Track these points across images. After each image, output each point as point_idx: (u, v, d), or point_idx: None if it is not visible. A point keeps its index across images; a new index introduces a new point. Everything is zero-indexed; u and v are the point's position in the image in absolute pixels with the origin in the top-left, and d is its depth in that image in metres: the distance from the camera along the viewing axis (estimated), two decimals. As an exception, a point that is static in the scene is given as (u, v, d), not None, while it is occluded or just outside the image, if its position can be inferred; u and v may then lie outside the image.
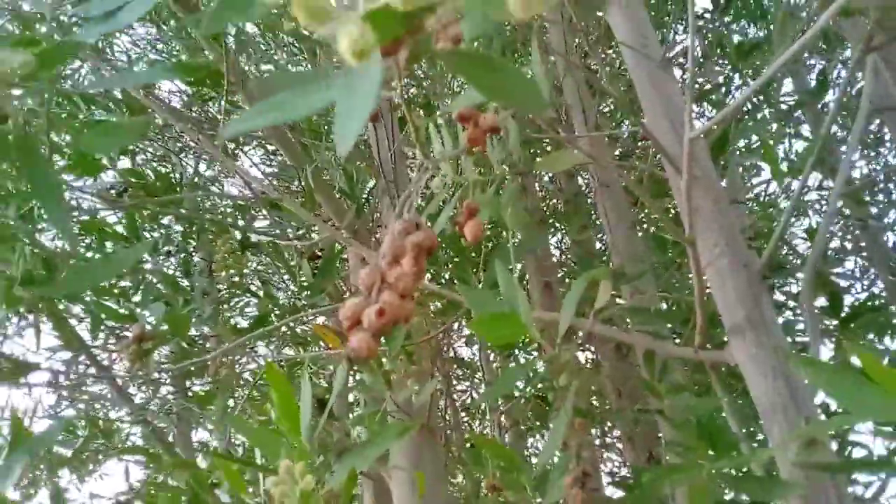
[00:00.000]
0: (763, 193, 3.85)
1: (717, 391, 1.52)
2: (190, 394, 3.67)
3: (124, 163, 3.21)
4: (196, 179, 3.61)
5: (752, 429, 1.86)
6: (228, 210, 3.25)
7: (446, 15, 0.71)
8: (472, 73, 0.71)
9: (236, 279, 2.65)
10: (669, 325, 2.35)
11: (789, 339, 2.52)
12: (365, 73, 0.59)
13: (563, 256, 4.46)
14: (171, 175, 3.74)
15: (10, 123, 1.03)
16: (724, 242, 1.46)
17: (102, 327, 3.40)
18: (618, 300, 2.57)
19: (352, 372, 2.15)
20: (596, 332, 1.29)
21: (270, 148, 3.67)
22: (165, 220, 3.24)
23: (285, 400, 1.36)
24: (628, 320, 2.09)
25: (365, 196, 3.41)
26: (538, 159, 1.33)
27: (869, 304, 2.21)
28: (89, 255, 3.01)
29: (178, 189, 3.19)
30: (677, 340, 2.42)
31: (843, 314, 1.78)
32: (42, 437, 1.30)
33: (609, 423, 3.02)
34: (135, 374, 1.82)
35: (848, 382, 1.02)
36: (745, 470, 1.38)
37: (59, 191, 1.03)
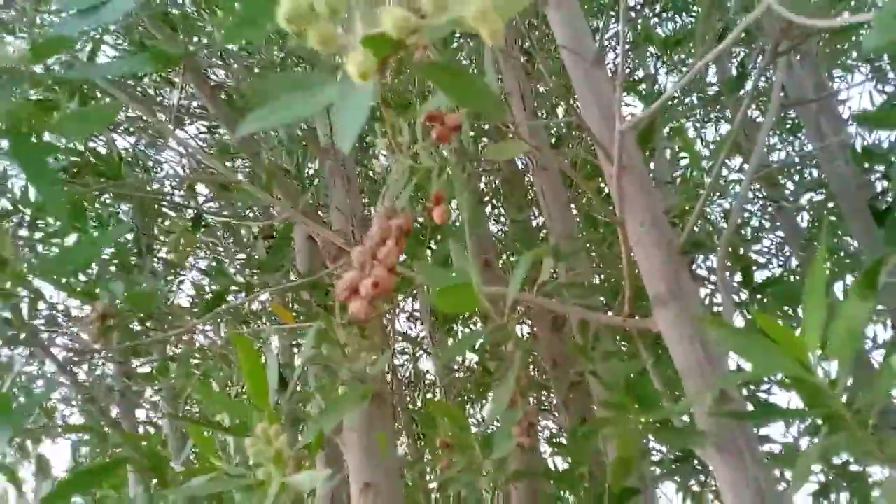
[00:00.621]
0: (688, 175, 4.12)
1: (642, 356, 1.72)
2: (134, 373, 3.69)
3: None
4: (139, 160, 3.61)
5: (677, 392, 2.08)
6: (179, 191, 3.27)
7: (423, 35, 0.85)
8: (443, 81, 0.84)
9: (187, 259, 2.70)
10: (602, 298, 2.55)
11: (709, 310, 2.77)
12: (362, 86, 0.72)
13: (501, 234, 4.64)
14: (115, 156, 3.73)
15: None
16: (649, 222, 1.63)
17: (43, 306, 3.39)
18: (554, 276, 2.75)
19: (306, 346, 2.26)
20: (537, 304, 1.45)
21: (207, 125, 3.68)
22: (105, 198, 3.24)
23: (253, 366, 1.47)
24: (565, 294, 2.28)
25: (308, 177, 3.49)
26: (486, 148, 1.46)
27: (779, 278, 2.46)
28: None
29: (120, 169, 3.19)
30: (610, 313, 2.63)
31: (753, 286, 2.00)
32: (23, 406, 1.37)
33: (546, 392, 3.23)
34: (85, 351, 1.88)
35: (753, 343, 1.21)
36: (666, 423, 1.57)
37: (54, 178, 1.11)
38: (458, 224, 1.74)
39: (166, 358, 2.89)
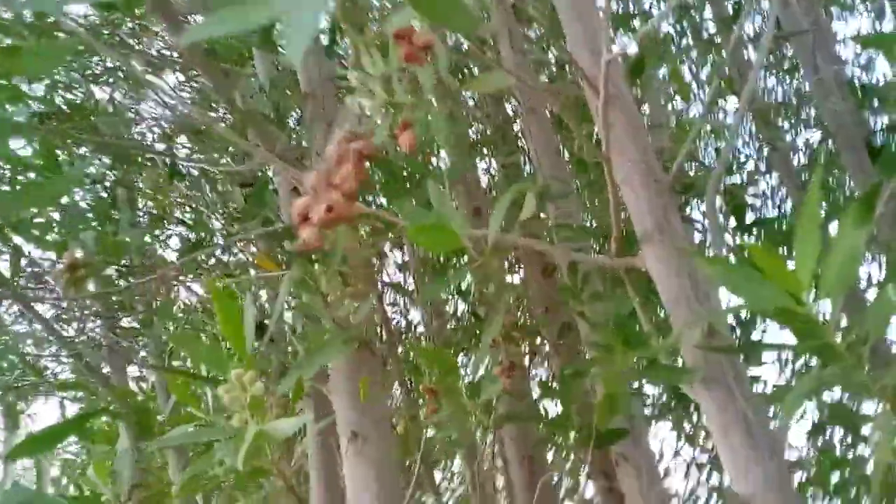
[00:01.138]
0: (684, 117, 4.04)
1: (630, 294, 1.67)
2: (118, 329, 3.66)
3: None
4: (111, 106, 3.50)
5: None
6: (152, 138, 3.19)
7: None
8: (408, -7, 0.76)
9: (169, 210, 2.63)
10: (592, 242, 2.50)
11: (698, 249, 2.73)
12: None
13: (492, 182, 4.56)
14: (86, 103, 3.62)
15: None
16: (637, 158, 1.57)
17: (24, 263, 3.33)
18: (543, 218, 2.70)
19: (289, 295, 2.22)
20: (524, 246, 1.40)
21: (185, 75, 3.56)
22: (83, 150, 3.15)
23: (229, 313, 1.42)
24: (554, 236, 2.22)
25: (292, 124, 3.39)
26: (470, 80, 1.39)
27: (772, 218, 2.40)
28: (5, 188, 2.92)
29: (91, 117, 3.10)
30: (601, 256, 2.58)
31: (745, 226, 1.95)
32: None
33: (538, 338, 3.20)
34: (68, 299, 1.83)
35: (743, 276, 1.16)
36: (654, 360, 1.54)
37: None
38: (442, 168, 1.68)
39: (151, 312, 2.84)
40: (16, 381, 3.86)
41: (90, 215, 2.45)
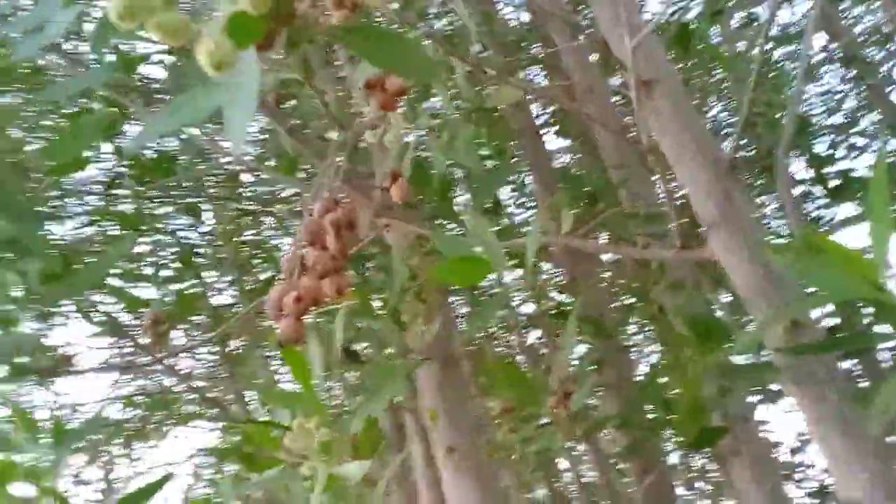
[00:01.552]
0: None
1: (706, 287, 1.56)
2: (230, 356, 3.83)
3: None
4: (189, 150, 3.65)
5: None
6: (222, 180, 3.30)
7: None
8: (361, 47, 0.73)
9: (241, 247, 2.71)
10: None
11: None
12: (242, 78, 0.62)
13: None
14: (167, 153, 3.79)
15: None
16: (689, 140, 1.45)
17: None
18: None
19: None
20: (573, 247, 1.33)
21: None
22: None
23: (294, 359, 1.44)
24: (629, 226, 2.10)
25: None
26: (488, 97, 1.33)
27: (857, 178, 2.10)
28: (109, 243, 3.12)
29: (174, 164, 3.23)
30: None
31: (828, 189, 1.77)
32: (79, 430, 1.41)
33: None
34: (160, 352, 1.93)
35: (815, 264, 1.05)
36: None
37: (32, 216, 1.09)
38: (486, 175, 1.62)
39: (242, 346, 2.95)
40: (151, 416, 4.15)
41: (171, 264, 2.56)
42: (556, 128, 3.99)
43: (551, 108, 4.63)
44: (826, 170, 1.76)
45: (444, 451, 2.23)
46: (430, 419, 1.83)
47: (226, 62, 0.56)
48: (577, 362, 1.72)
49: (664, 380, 1.49)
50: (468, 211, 1.17)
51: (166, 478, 1.43)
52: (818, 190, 1.77)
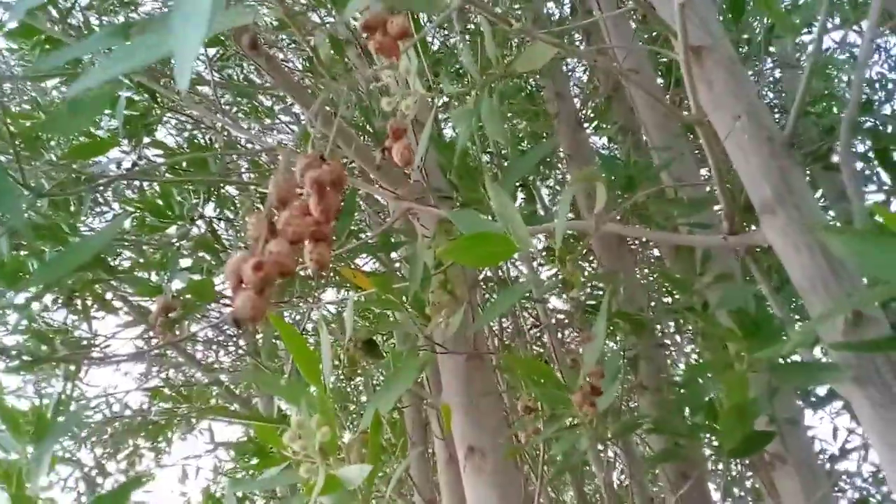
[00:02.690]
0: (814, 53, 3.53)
1: (756, 277, 1.40)
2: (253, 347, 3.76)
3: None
4: (221, 141, 3.59)
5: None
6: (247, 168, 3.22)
7: None
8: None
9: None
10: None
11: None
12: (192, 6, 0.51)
13: (609, 153, 4.26)
14: (201, 141, 3.75)
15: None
16: (742, 114, 1.31)
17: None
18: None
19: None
20: (605, 231, 1.20)
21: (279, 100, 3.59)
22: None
23: (299, 349, 1.33)
24: (671, 211, 1.95)
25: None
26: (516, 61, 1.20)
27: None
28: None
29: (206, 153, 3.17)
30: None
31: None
32: (62, 425, 1.33)
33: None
34: (168, 342, 1.84)
35: (880, 249, 0.90)
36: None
37: (7, 186, 1.00)
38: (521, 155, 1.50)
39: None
40: (175, 409, 4.11)
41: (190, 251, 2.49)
42: (596, 123, 3.84)
43: (592, 102, 4.48)
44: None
45: (465, 451, 2.11)
46: (443, 416, 1.71)
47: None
48: (608, 358, 1.58)
49: (704, 380, 1.35)
50: (493, 188, 1.04)
51: (140, 479, 1.35)
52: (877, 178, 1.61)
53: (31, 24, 2.42)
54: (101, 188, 2.40)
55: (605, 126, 4.35)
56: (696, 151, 2.90)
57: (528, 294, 2.37)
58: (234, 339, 3.75)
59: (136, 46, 0.57)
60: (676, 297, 2.76)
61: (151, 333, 3.32)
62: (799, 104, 1.27)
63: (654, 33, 3.80)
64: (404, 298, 1.72)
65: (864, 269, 1.00)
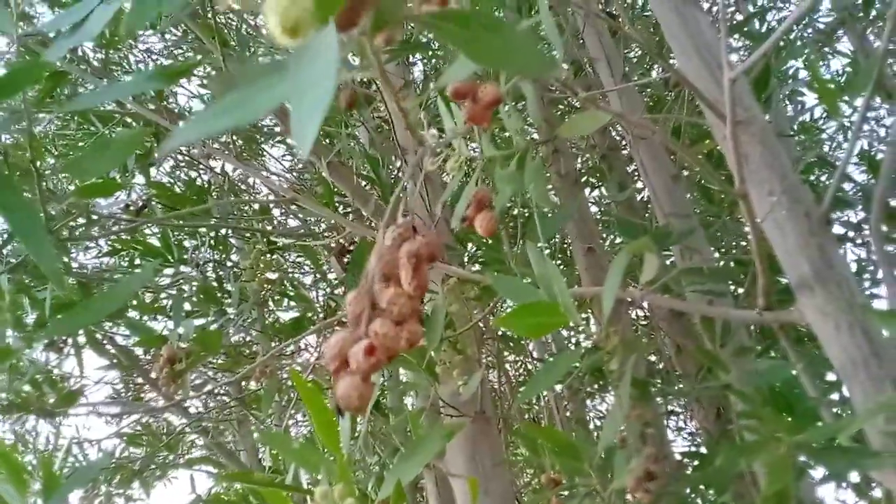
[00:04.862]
0: (808, 122, 3.61)
1: (788, 355, 1.38)
2: (244, 398, 3.65)
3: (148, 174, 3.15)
4: (223, 183, 3.56)
5: (827, 384, 1.71)
6: (255, 213, 3.18)
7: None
8: (459, 37, 0.59)
9: (269, 282, 2.57)
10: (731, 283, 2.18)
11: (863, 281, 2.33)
12: (318, 56, 0.48)
13: (604, 214, 4.29)
14: (199, 181, 3.70)
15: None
16: (779, 190, 1.30)
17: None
18: (668, 261, 2.42)
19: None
20: (648, 303, 1.17)
21: (291, 142, 3.58)
22: (201, 230, 3.19)
23: (319, 411, 1.27)
24: (682, 283, 1.94)
25: (392, 179, 3.30)
26: (565, 121, 1.20)
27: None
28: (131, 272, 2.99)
29: (206, 195, 3.13)
30: (739, 294, 2.25)
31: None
32: (74, 480, 1.25)
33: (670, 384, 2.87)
34: (173, 395, 1.76)
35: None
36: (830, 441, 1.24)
37: (39, 228, 0.95)
38: (544, 216, 1.48)
39: (260, 388, 2.78)
40: (151, 456, 3.96)
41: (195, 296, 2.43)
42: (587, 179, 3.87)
43: (587, 157, 4.52)
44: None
45: (471, 520, 2.04)
46: (469, 490, 1.64)
47: (302, 24, 0.41)
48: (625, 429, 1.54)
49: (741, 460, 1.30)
50: (533, 252, 1.01)
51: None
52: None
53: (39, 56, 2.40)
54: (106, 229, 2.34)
55: (600, 184, 4.39)
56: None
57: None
58: (225, 387, 3.64)
59: (240, 102, 0.54)
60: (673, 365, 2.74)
61: (141, 379, 3.21)
62: (837, 182, 1.27)
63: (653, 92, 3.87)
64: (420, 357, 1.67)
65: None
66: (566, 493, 1.64)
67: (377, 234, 0.61)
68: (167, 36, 3.43)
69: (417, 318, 0.58)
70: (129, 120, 2.78)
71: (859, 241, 2.89)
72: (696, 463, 2.04)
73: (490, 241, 1.73)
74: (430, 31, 0.60)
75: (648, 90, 3.77)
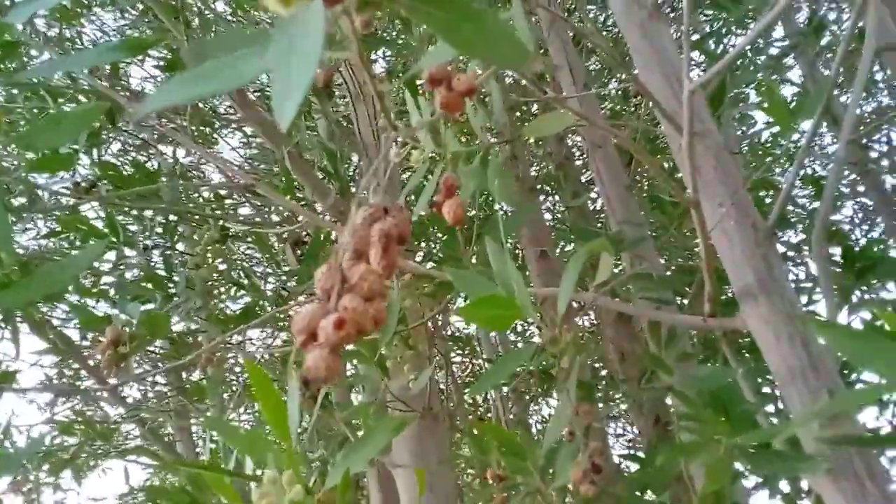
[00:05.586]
0: (755, 142, 3.75)
1: (728, 360, 1.43)
2: (186, 387, 3.58)
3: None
4: (175, 168, 3.48)
5: (764, 394, 1.78)
6: (207, 199, 3.12)
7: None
8: (440, 23, 0.59)
9: (219, 271, 2.53)
10: (675, 293, 2.25)
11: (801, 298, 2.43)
12: (303, 28, 0.48)
13: (557, 221, 4.35)
14: (149, 165, 3.61)
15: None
16: (729, 202, 1.35)
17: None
18: (616, 268, 2.47)
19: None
20: (598, 305, 1.19)
21: (249, 130, 3.53)
22: (148, 213, 3.11)
23: (270, 400, 1.26)
24: (629, 288, 1.99)
25: (350, 174, 3.29)
26: (526, 125, 1.21)
27: (874, 249, 2.07)
28: (74, 252, 2.89)
29: (155, 180, 3.06)
30: (684, 301, 2.32)
31: (856, 268, 1.69)
32: (6, 461, 1.20)
33: (614, 390, 2.94)
34: (115, 377, 1.72)
35: (877, 348, 0.92)
36: (767, 445, 1.29)
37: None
38: (503, 216, 1.50)
39: (205, 377, 2.73)
40: (83, 445, 3.83)
41: (142, 283, 2.36)
42: (551, 185, 3.93)
43: (543, 165, 4.59)
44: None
45: (414, 515, 2.04)
46: (415, 484, 1.65)
47: (295, -3, 0.42)
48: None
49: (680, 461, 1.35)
50: (492, 248, 1.03)
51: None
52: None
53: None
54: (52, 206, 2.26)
55: (555, 192, 4.46)
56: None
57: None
58: (163, 376, 3.56)
59: (221, 68, 0.53)
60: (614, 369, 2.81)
61: (73, 363, 3.11)
62: (784, 198, 1.32)
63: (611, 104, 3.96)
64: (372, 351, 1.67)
65: (859, 364, 1.02)
66: (509, 491, 1.67)
67: (334, 228, 0.61)
68: (126, 14, 3.35)
69: (384, 298, 0.59)
70: (80, 97, 2.69)
71: (798, 260, 3.02)
72: (635, 466, 2.09)
73: (447, 239, 1.74)
74: (412, 14, 0.61)
75: (606, 103, 3.86)
